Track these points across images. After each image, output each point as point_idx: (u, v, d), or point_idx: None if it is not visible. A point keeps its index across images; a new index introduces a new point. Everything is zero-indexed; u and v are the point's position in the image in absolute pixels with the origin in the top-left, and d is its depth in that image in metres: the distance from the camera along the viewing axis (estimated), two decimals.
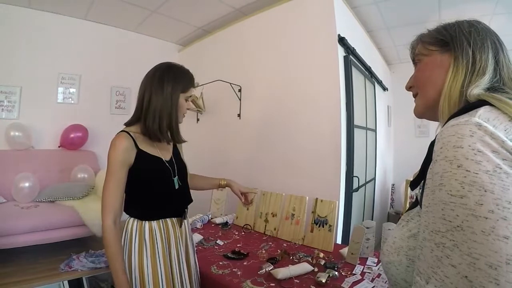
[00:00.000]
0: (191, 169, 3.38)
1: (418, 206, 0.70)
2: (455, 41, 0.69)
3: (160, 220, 1.38)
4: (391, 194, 4.64)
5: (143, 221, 1.36)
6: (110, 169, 1.27)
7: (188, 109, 1.46)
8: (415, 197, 0.77)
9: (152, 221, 1.36)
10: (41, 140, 3.35)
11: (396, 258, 0.68)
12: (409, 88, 0.81)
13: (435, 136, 0.60)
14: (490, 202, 0.48)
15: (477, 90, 0.63)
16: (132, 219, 1.37)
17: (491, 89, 0.64)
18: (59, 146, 3.41)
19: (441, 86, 0.68)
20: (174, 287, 1.38)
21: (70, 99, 3.58)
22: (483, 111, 0.57)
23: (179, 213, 1.47)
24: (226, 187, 1.84)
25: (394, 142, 4.90)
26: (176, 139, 1.43)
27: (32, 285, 2.03)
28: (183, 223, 1.48)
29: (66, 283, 2.12)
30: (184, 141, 1.50)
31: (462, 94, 0.65)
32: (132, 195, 1.37)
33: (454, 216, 0.51)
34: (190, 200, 1.57)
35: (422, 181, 0.66)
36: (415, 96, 0.79)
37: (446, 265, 0.51)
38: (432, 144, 0.62)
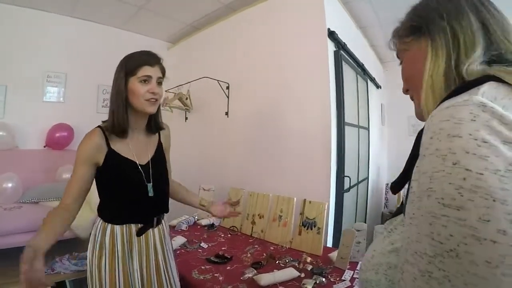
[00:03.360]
0: (181, 168, 3.34)
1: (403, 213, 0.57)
2: (425, 20, 0.57)
3: (124, 225, 1.28)
4: (385, 194, 4.57)
5: (107, 223, 1.28)
6: (75, 163, 1.21)
7: (152, 92, 1.23)
8: (402, 200, 0.65)
9: (115, 225, 1.27)
10: (26, 139, 3.28)
11: (374, 276, 0.55)
12: (406, 91, 0.69)
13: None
14: (501, 218, 0.34)
15: (476, 65, 0.49)
16: (99, 218, 1.31)
17: (491, 62, 0.50)
18: (44, 146, 3.33)
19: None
20: None
21: (56, 98, 3.50)
22: (488, 87, 0.44)
23: (147, 221, 1.34)
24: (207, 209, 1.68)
25: (388, 141, 4.83)
26: (115, 130, 1.24)
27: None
28: (149, 232, 1.34)
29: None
30: (123, 136, 1.26)
31: (449, 78, 0.52)
32: (100, 195, 1.30)
33: (446, 236, 0.37)
34: (165, 210, 1.44)
35: (408, 183, 0.53)
36: (412, 98, 0.67)
37: None
38: (420, 134, 0.48)
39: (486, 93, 0.42)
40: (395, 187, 0.58)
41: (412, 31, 0.61)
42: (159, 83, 1.29)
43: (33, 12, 3.28)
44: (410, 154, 0.52)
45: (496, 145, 0.37)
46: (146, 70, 1.23)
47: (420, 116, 0.63)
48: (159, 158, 1.42)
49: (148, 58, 1.25)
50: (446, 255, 0.36)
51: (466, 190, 0.36)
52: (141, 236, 1.32)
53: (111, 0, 3.10)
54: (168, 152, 1.54)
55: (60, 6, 3.28)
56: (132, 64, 1.24)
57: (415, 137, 0.52)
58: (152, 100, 1.25)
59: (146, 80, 1.23)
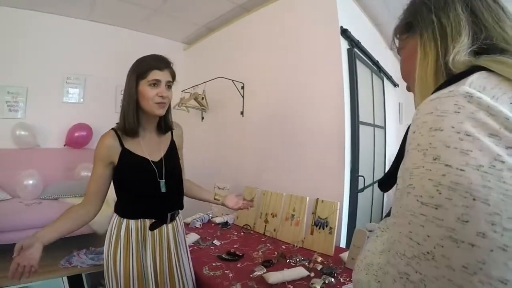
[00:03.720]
0: (196, 166, 3.37)
1: None
2: (415, 15, 0.54)
3: (139, 220, 1.35)
4: None
5: (122, 218, 1.35)
6: (93, 164, 1.31)
7: (161, 96, 1.28)
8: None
9: (130, 220, 1.34)
10: (46, 139, 3.39)
11: (365, 277, 0.52)
12: (408, 88, 0.66)
13: None
14: (481, 219, 0.31)
15: (462, 56, 0.46)
16: (115, 214, 1.39)
17: (481, 52, 0.47)
18: (64, 145, 3.43)
19: None
20: None
21: (75, 99, 3.61)
22: (477, 77, 0.41)
23: (160, 217, 1.40)
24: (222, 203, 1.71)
25: None
26: (126, 130, 1.30)
27: (33, 279, 2.04)
28: (162, 228, 1.40)
29: (65, 278, 2.14)
30: (134, 135, 1.32)
31: (439, 75, 0.49)
32: (116, 192, 1.37)
33: (423, 237, 0.35)
34: (178, 207, 1.49)
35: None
36: None
37: None
38: (407, 130, 0.46)
39: (474, 83, 0.40)
40: (383, 185, 0.56)
41: (407, 28, 0.59)
42: (169, 87, 1.35)
43: (53, 17, 3.40)
44: (398, 150, 0.50)
45: (480, 139, 0.34)
46: (155, 74, 1.28)
47: None
48: (172, 155, 1.47)
49: (158, 63, 1.31)
50: (423, 257, 0.34)
51: (445, 187, 0.34)
52: (155, 231, 1.37)
53: (127, 3, 3.17)
54: (181, 151, 1.58)
55: (78, 10, 3.39)
56: (142, 68, 1.30)
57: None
58: (161, 103, 1.30)
59: (155, 83, 1.29)
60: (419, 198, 0.36)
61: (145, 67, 1.29)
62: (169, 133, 1.49)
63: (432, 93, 0.44)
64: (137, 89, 1.29)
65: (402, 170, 0.42)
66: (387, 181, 0.56)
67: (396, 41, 0.66)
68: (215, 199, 1.69)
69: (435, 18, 0.50)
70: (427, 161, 0.36)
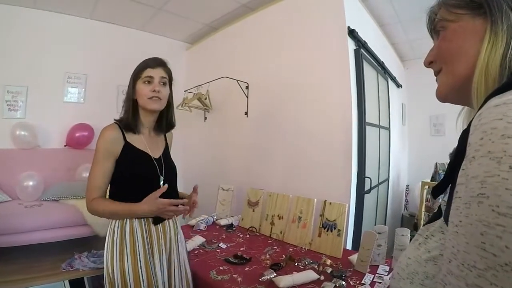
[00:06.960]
0: (200, 168, 3.34)
1: (442, 218, 0.53)
2: (491, 2, 0.51)
3: (142, 219, 1.35)
4: (406, 196, 4.46)
5: (125, 219, 1.33)
6: (95, 158, 1.30)
7: (154, 90, 1.34)
8: (437, 206, 0.61)
9: (134, 219, 1.34)
10: (47, 139, 3.33)
11: (409, 286, 0.52)
12: (429, 63, 0.62)
13: (469, 123, 0.43)
14: None
15: None
16: None
17: None
18: (65, 145, 3.38)
19: (475, 58, 0.51)
20: None
21: (77, 99, 3.56)
22: None
23: None
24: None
25: (408, 142, 4.69)
26: (132, 126, 1.36)
27: (34, 284, 2.02)
28: (165, 224, 1.42)
29: (67, 282, 2.11)
30: (136, 131, 1.38)
31: (504, 68, 0.48)
32: (117, 190, 1.36)
33: (501, 248, 0.33)
34: None
35: (450, 187, 0.49)
36: (437, 73, 0.61)
37: None
38: (464, 134, 0.44)
39: None
40: (437, 191, 0.54)
41: (470, 5, 0.55)
42: (164, 84, 1.41)
43: (53, 15, 3.35)
44: (453, 155, 0.48)
45: None
46: (148, 72, 1.38)
47: (442, 94, 0.59)
48: (168, 154, 1.53)
49: (150, 62, 1.40)
50: (500, 268, 0.32)
51: None
52: (159, 228, 1.39)
53: (130, 2, 3.14)
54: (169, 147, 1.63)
55: (79, 9, 3.35)
56: (137, 69, 1.40)
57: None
58: (155, 98, 1.36)
59: (149, 81, 1.37)
60: (495, 208, 0.34)
61: (139, 67, 1.39)
62: (162, 134, 1.55)
63: (489, 97, 0.42)
64: (134, 89, 1.37)
65: (464, 177, 0.40)
66: (441, 187, 0.53)
67: (437, 10, 0.61)
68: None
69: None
70: (503, 170, 0.34)
